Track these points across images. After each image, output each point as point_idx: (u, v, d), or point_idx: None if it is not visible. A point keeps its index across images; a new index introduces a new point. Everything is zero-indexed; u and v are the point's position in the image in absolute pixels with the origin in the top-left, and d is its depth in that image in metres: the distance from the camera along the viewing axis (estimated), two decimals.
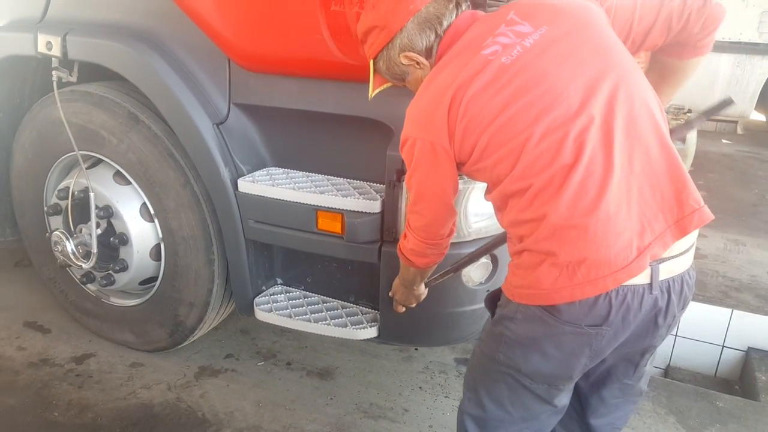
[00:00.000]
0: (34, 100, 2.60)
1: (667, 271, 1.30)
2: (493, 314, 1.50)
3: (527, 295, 1.33)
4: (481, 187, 2.05)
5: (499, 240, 1.90)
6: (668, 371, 3.31)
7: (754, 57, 5.99)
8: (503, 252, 2.14)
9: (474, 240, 2.07)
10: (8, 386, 2.48)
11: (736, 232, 4.30)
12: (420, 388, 2.60)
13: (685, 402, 2.63)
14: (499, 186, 1.37)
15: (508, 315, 1.40)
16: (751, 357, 3.14)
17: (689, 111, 5.17)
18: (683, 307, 1.39)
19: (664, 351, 3.36)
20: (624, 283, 1.25)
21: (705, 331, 3.27)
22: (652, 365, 1.57)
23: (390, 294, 2.02)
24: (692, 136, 5.00)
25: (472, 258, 1.96)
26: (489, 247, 1.96)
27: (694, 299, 3.24)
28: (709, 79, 6.06)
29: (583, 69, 1.30)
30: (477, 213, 2.06)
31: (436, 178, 1.47)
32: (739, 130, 7.41)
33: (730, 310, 3.21)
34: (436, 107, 1.38)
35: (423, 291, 1.98)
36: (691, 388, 2.77)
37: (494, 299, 1.51)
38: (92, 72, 2.37)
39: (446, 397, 2.55)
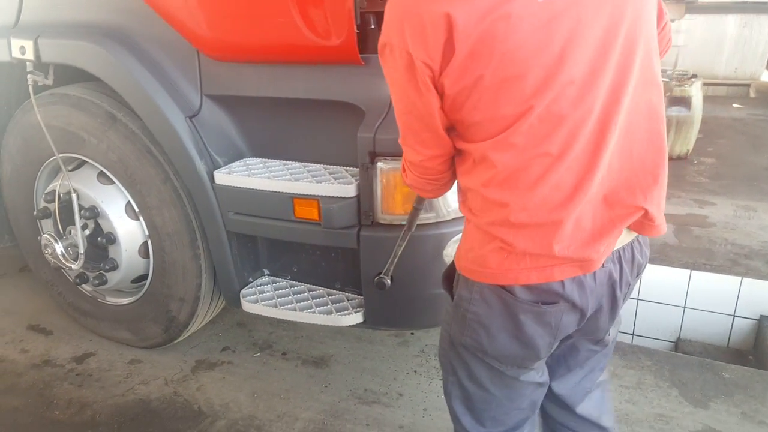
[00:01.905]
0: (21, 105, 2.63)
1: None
2: (451, 295, 1.42)
3: (477, 273, 1.28)
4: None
5: None
6: (678, 344, 3.25)
7: (761, 16, 5.78)
8: None
9: (454, 219, 2.04)
10: (11, 388, 2.53)
11: (747, 197, 4.19)
12: (415, 372, 2.59)
13: (689, 374, 2.58)
14: (471, 143, 1.20)
15: (465, 296, 1.33)
16: (763, 325, 3.07)
17: (694, 76, 5.03)
18: (638, 274, 1.36)
19: (673, 323, 3.29)
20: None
21: (715, 301, 3.19)
22: (617, 329, 1.54)
23: None
24: (698, 101, 4.87)
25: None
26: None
27: (701, 269, 3.20)
28: (715, 41, 5.87)
29: (595, 17, 1.10)
30: (456, 191, 2.02)
31: (417, 101, 1.17)
32: (752, 93, 7.18)
33: (740, 278, 3.12)
34: (435, 18, 1.06)
35: None
36: (695, 360, 2.71)
37: (450, 278, 1.44)
38: (73, 74, 2.38)
39: (441, 380, 2.52)
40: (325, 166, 2.17)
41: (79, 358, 2.72)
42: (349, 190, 1.99)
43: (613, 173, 1.19)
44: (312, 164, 2.20)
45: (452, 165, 1.32)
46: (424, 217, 2.02)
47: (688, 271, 3.21)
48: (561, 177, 1.14)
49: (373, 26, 2.23)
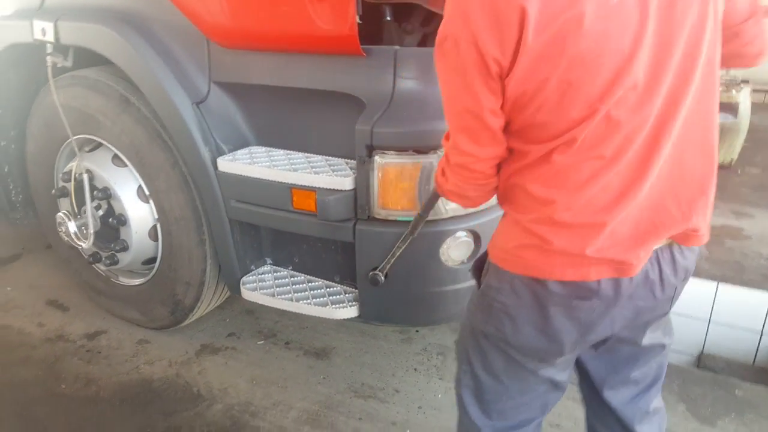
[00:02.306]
0: None
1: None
2: (479, 284, 1.42)
3: (510, 263, 1.26)
4: None
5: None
6: (701, 358, 3.11)
7: None
8: (486, 229, 2.06)
9: (453, 218, 2.00)
10: (25, 360, 2.62)
11: None
12: (415, 369, 2.56)
13: (698, 390, 2.47)
14: (528, 144, 1.15)
15: (494, 285, 1.31)
16: None
17: (744, 82, 4.80)
18: (684, 278, 1.31)
19: (696, 338, 3.16)
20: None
21: (742, 317, 3.04)
22: (669, 339, 1.48)
23: None
24: (745, 109, 4.64)
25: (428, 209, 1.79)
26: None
27: (729, 281, 3.05)
28: None
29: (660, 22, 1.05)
30: None
31: (482, 100, 1.10)
32: None
33: None
34: (507, 7, 1.00)
35: None
36: (708, 376, 2.60)
37: (480, 267, 1.43)
38: (96, 57, 2.43)
39: (440, 379, 2.50)
40: (327, 157, 2.16)
41: (91, 335, 2.80)
42: (346, 183, 1.97)
43: (662, 180, 1.16)
44: (315, 155, 2.19)
45: (498, 171, 1.26)
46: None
47: (715, 283, 3.07)
48: (610, 180, 1.12)
49: (388, 17, 2.25)
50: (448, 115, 1.21)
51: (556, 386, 1.43)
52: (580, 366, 1.50)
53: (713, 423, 2.28)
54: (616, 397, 1.49)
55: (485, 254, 1.38)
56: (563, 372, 1.42)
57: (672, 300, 1.33)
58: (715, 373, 2.74)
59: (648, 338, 1.41)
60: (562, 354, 1.34)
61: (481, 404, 1.46)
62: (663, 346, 1.46)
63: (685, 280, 1.32)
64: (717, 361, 3.09)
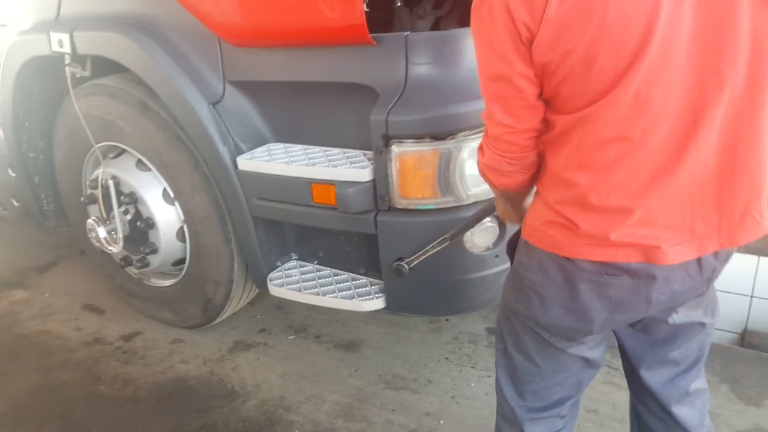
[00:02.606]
0: None
1: None
2: (512, 261, 1.41)
3: (540, 239, 1.24)
4: (474, 146, 1.94)
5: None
6: (744, 336, 3.01)
7: None
8: None
9: (474, 203, 1.97)
10: (64, 363, 2.69)
11: None
12: (446, 359, 2.54)
13: (743, 369, 2.39)
14: (555, 114, 1.13)
15: (524, 262, 1.30)
16: None
17: None
18: (726, 259, 1.24)
19: (739, 313, 3.05)
20: None
21: None
22: (712, 318, 1.41)
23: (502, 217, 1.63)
24: None
25: (475, 220, 1.85)
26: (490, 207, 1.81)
27: None
28: None
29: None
30: (476, 174, 1.95)
31: (516, 66, 1.08)
32: None
33: None
34: None
35: (523, 210, 1.51)
36: (752, 354, 2.52)
37: (514, 244, 1.42)
38: (114, 65, 2.46)
39: (473, 367, 2.47)
40: (344, 150, 2.15)
41: (126, 336, 2.86)
42: (364, 175, 1.96)
43: (707, 170, 1.10)
44: (332, 149, 2.18)
45: (537, 145, 1.21)
46: (443, 201, 1.97)
47: (756, 257, 2.96)
48: (639, 164, 1.08)
49: (398, 3, 2.22)
50: (483, 82, 1.17)
51: (590, 364, 1.40)
52: (619, 344, 1.47)
53: (759, 403, 2.20)
54: (654, 377, 1.45)
55: (518, 232, 1.37)
56: (596, 349, 1.39)
57: (710, 281, 1.28)
58: (760, 350, 2.65)
59: (684, 316, 1.36)
60: (591, 332, 1.31)
61: (516, 384, 1.46)
62: (702, 325, 1.40)
63: (726, 261, 1.25)
64: (762, 338, 2.98)
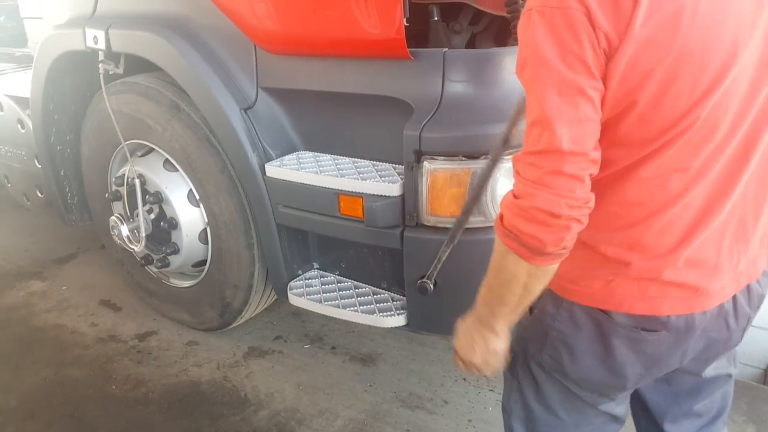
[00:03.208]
0: None
1: None
2: (531, 309, 1.27)
3: (571, 291, 1.16)
4: (509, 166, 1.90)
5: None
6: None
7: None
8: None
9: None
10: (77, 359, 2.68)
11: None
12: (464, 379, 2.50)
13: None
14: (620, 148, 1.01)
15: (551, 312, 1.20)
16: None
17: None
18: (758, 305, 1.21)
19: (762, 350, 2.98)
20: None
21: None
22: (734, 368, 1.37)
23: (456, 360, 1.32)
24: None
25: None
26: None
27: None
28: None
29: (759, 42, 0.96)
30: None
31: (588, 79, 0.93)
32: None
33: None
34: None
35: (504, 342, 1.22)
36: None
37: None
38: (145, 63, 2.46)
39: (491, 390, 2.42)
40: (374, 162, 2.12)
41: (141, 335, 2.85)
42: (394, 189, 1.92)
43: (747, 200, 1.08)
44: (362, 160, 2.15)
45: (588, 184, 0.99)
46: (473, 221, 1.93)
47: None
48: (694, 196, 1.03)
49: (435, 18, 2.19)
50: (545, 100, 0.94)
51: (615, 419, 1.33)
52: (637, 396, 1.40)
53: None
54: (677, 430, 1.38)
55: None
56: (622, 404, 1.33)
57: (744, 330, 1.23)
58: None
59: (712, 369, 1.30)
60: (625, 389, 1.25)
61: None
62: (729, 376, 1.35)
63: (758, 308, 1.22)
64: None
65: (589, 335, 1.16)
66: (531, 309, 1.30)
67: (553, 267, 1.05)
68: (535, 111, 0.97)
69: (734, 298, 1.15)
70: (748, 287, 1.17)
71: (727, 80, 0.94)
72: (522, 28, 0.98)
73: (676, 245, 1.06)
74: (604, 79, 0.94)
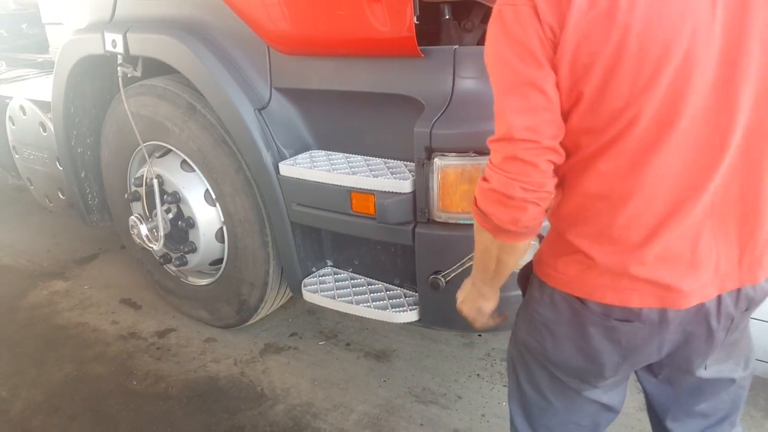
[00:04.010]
0: None
1: None
2: (524, 293, 1.34)
3: (551, 277, 1.19)
4: None
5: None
6: None
7: None
8: None
9: None
10: (99, 356, 2.75)
11: None
12: (478, 375, 2.51)
13: None
14: (581, 135, 1.05)
15: (536, 296, 1.25)
16: None
17: None
18: (747, 308, 1.18)
19: None
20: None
21: None
22: (746, 370, 1.33)
23: (457, 306, 1.48)
24: None
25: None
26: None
27: None
28: None
29: (731, 36, 0.97)
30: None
31: (540, 72, 1.00)
32: None
33: None
34: None
35: (490, 301, 1.37)
36: None
37: (526, 275, 1.32)
38: (163, 66, 2.52)
39: (504, 386, 2.44)
40: (386, 160, 2.15)
41: (161, 332, 2.91)
42: (405, 186, 1.95)
43: (731, 203, 1.07)
44: (374, 158, 2.18)
45: (552, 172, 1.06)
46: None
47: None
48: (657, 191, 1.03)
49: (447, 16, 2.21)
50: (502, 92, 1.04)
51: (607, 408, 1.34)
52: (643, 391, 1.41)
53: None
54: (680, 428, 1.38)
55: (531, 263, 1.30)
56: (612, 394, 1.32)
57: (728, 330, 1.18)
58: None
59: (711, 371, 1.28)
60: (603, 376, 1.24)
61: (528, 417, 1.39)
62: (732, 381, 1.31)
63: (747, 311, 1.19)
64: None
65: (567, 321, 1.18)
66: (523, 293, 1.34)
67: (523, 244, 1.14)
68: (495, 102, 1.07)
69: (719, 298, 1.13)
70: (739, 290, 1.14)
71: (666, 73, 0.94)
72: (488, 25, 1.07)
73: (643, 240, 1.06)
74: (555, 70, 1.00)
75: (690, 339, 1.16)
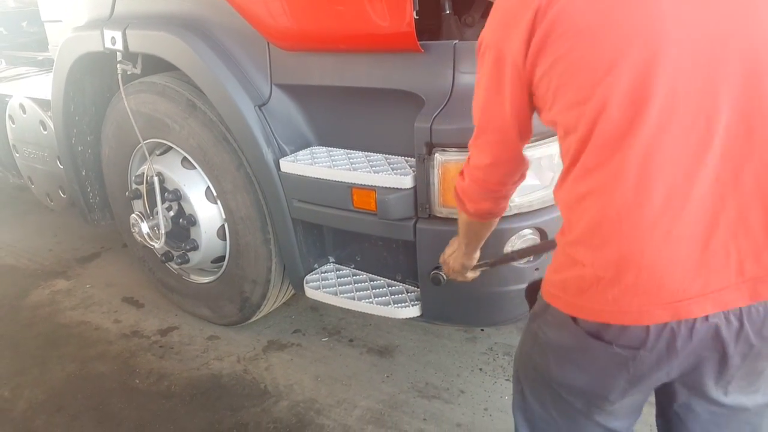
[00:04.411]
0: None
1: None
2: (530, 306, 1.32)
3: (555, 297, 1.15)
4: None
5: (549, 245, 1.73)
6: None
7: None
8: (552, 226, 1.99)
9: (517, 215, 1.94)
10: (101, 355, 2.75)
11: None
12: (480, 369, 2.51)
13: None
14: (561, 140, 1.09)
15: (540, 313, 1.22)
16: None
17: None
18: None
19: None
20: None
21: None
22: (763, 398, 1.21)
23: (441, 259, 1.79)
24: None
25: (513, 257, 1.83)
26: (537, 249, 1.86)
27: None
28: None
29: (710, 17, 0.96)
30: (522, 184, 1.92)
31: (498, 105, 1.14)
32: None
33: None
34: (523, 4, 1.03)
35: (471, 261, 1.68)
36: None
37: (535, 289, 1.29)
38: (162, 63, 2.51)
39: (507, 380, 2.44)
40: (387, 156, 2.15)
41: (164, 330, 2.91)
42: (406, 182, 1.95)
43: (747, 195, 0.98)
44: (375, 154, 2.18)
45: (512, 182, 1.32)
46: None
47: None
48: (645, 184, 0.97)
49: (447, 11, 2.20)
50: (477, 126, 1.26)
51: None
52: (658, 414, 1.34)
53: None
54: None
55: (541, 279, 1.26)
56: (622, 420, 1.24)
57: (749, 356, 1.08)
58: None
59: (735, 398, 1.17)
60: (608, 401, 1.17)
61: (533, 430, 1.35)
62: (766, 406, 1.22)
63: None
64: None
65: (570, 343, 1.14)
66: (530, 306, 1.33)
67: (489, 222, 1.47)
68: (475, 136, 1.28)
69: (741, 326, 1.03)
70: (764, 319, 1.03)
71: (628, 58, 0.95)
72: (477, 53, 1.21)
73: (633, 238, 1.01)
74: (531, 82, 1.08)
75: (703, 362, 1.09)
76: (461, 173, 1.36)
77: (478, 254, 1.68)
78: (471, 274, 1.77)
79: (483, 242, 1.60)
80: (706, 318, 1.01)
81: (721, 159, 0.97)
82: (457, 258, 1.70)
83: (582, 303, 1.09)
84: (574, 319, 1.11)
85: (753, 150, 0.97)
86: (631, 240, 1.00)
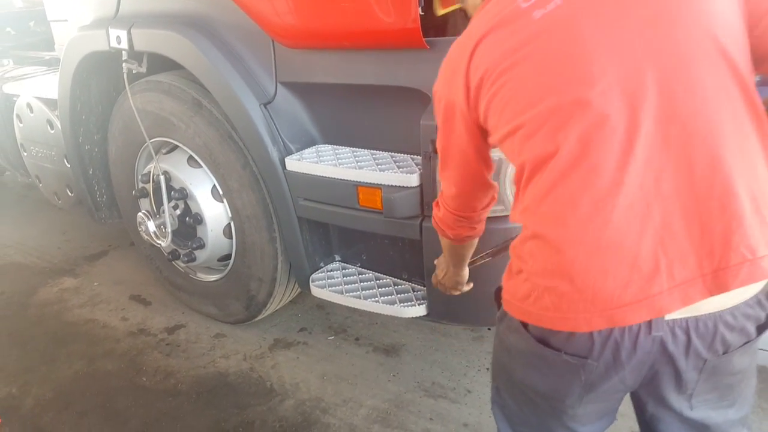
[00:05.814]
0: None
1: (688, 310, 1.00)
2: (498, 306, 1.30)
3: (507, 302, 1.17)
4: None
5: None
6: None
7: None
8: None
9: None
10: (109, 353, 2.76)
11: None
12: (487, 369, 2.50)
13: None
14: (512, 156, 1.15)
15: (501, 317, 1.24)
16: None
17: None
18: (725, 351, 1.06)
19: None
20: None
21: None
22: (737, 412, 1.19)
23: (433, 279, 1.87)
24: None
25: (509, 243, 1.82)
26: None
27: None
28: None
29: (625, 43, 0.98)
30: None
31: (456, 144, 1.25)
32: None
33: None
34: (459, 58, 1.14)
35: (464, 276, 1.76)
36: None
37: (500, 292, 1.29)
38: (168, 61, 2.51)
39: None
40: (393, 154, 2.14)
41: (170, 329, 2.91)
42: (412, 180, 1.94)
43: (666, 199, 0.97)
44: (380, 152, 2.17)
45: (482, 207, 1.42)
46: (492, 209, 1.93)
47: None
48: (572, 190, 0.99)
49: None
50: (442, 162, 1.35)
51: None
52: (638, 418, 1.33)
53: None
54: None
55: None
56: (588, 426, 1.24)
57: (704, 369, 1.08)
58: None
59: (702, 412, 1.16)
60: (566, 405, 1.18)
61: (512, 425, 1.36)
62: (739, 422, 1.21)
63: (726, 354, 1.06)
64: None
65: (525, 347, 1.15)
66: (497, 307, 1.32)
67: (469, 243, 1.57)
68: (442, 170, 1.38)
69: (688, 339, 1.03)
70: (715, 332, 1.03)
71: (550, 98, 1.01)
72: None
73: (567, 242, 1.01)
74: (478, 118, 1.16)
75: (655, 379, 1.10)
76: (436, 203, 1.49)
77: (467, 271, 1.77)
78: (467, 287, 1.83)
79: (469, 258, 1.70)
80: (649, 331, 1.02)
81: (643, 167, 0.96)
82: (450, 277, 1.78)
83: (526, 307, 1.10)
84: (525, 325, 1.14)
85: (669, 157, 0.97)
86: (560, 250, 1.02)
